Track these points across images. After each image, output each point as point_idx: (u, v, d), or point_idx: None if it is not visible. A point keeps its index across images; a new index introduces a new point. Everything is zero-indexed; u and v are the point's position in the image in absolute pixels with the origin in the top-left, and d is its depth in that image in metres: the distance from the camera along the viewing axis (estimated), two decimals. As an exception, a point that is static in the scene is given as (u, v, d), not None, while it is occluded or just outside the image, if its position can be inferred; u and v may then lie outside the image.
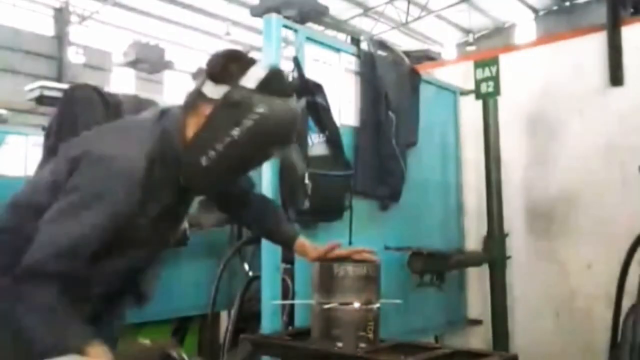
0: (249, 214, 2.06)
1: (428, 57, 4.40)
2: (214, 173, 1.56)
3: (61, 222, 1.45)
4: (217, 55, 1.64)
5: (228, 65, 1.57)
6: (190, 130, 1.58)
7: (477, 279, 3.46)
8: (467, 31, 20.51)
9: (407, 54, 3.50)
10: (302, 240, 2.01)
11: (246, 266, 3.42)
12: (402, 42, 15.31)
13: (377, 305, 1.91)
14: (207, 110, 1.56)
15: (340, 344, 1.84)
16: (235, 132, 1.50)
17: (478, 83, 3.30)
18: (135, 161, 1.49)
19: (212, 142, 1.52)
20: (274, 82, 1.55)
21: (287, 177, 2.40)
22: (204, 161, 1.53)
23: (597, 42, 3.31)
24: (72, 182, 1.49)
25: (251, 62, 1.59)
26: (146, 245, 1.66)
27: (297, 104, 1.68)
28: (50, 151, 3.25)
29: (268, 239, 2.24)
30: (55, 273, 1.40)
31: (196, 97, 1.60)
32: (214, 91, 1.56)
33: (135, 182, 1.48)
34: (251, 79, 1.53)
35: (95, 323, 1.55)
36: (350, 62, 2.84)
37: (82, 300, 1.51)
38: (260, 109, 1.50)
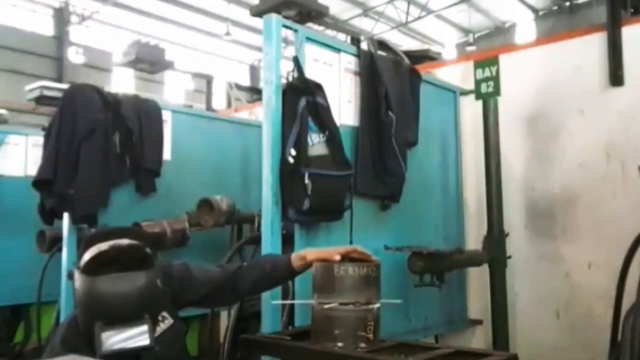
0: (245, 285, 2.14)
1: (428, 57, 4.39)
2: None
3: None
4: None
5: (82, 252, 1.82)
6: None
7: (477, 279, 3.46)
8: (467, 31, 20.53)
9: (407, 54, 3.49)
10: (294, 254, 2.08)
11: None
12: (402, 42, 15.32)
13: (377, 305, 1.91)
14: None
15: (340, 344, 1.84)
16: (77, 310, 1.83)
17: (478, 83, 3.30)
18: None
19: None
20: (92, 264, 1.76)
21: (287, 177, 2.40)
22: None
23: (597, 42, 3.31)
24: None
25: (93, 244, 1.80)
26: None
27: (130, 278, 1.78)
28: (52, 151, 3.26)
29: (275, 284, 2.26)
30: None
31: None
32: None
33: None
34: (81, 264, 1.78)
35: None
36: (350, 62, 2.84)
37: None
38: (78, 290, 1.78)
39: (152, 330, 1.77)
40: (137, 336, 1.74)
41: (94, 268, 1.76)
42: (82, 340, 1.81)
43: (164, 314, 1.98)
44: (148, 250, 1.87)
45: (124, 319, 1.74)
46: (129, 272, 1.78)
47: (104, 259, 1.77)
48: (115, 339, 1.72)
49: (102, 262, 1.77)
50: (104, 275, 1.75)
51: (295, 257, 2.06)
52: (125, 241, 1.83)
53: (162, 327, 1.95)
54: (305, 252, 2.05)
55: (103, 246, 1.78)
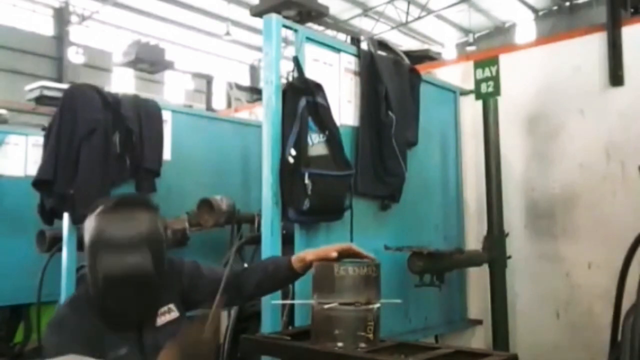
0: (250, 286, 2.17)
1: (428, 57, 4.39)
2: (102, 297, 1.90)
3: None
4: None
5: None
6: None
7: (477, 279, 3.46)
8: (467, 31, 20.54)
9: (407, 54, 3.49)
10: (294, 256, 2.10)
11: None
12: (402, 42, 15.33)
13: (377, 305, 1.91)
14: None
15: (340, 344, 1.84)
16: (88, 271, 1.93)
17: (478, 83, 3.30)
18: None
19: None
20: (99, 214, 1.91)
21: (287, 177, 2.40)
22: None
23: (597, 42, 3.31)
24: None
25: (98, 206, 1.94)
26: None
27: (130, 258, 1.88)
28: (52, 152, 3.26)
29: (278, 285, 2.27)
30: None
31: None
32: None
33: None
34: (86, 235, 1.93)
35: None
36: (350, 62, 2.83)
37: None
38: (86, 239, 1.90)
39: (152, 259, 1.89)
40: (139, 261, 1.87)
41: (100, 217, 1.92)
42: (89, 305, 1.93)
43: (171, 306, 2.03)
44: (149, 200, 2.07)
45: (127, 247, 1.87)
46: (133, 212, 1.94)
47: (109, 209, 1.93)
48: (119, 263, 1.84)
49: (107, 211, 1.92)
50: (109, 217, 1.91)
51: (295, 259, 2.07)
52: (128, 197, 2.09)
53: (166, 317, 2.01)
54: (305, 253, 2.06)
55: (108, 203, 1.96)
